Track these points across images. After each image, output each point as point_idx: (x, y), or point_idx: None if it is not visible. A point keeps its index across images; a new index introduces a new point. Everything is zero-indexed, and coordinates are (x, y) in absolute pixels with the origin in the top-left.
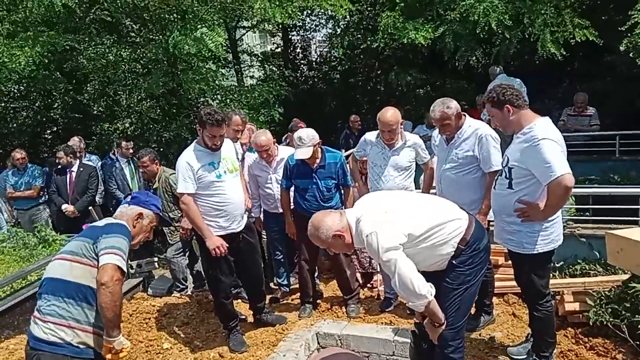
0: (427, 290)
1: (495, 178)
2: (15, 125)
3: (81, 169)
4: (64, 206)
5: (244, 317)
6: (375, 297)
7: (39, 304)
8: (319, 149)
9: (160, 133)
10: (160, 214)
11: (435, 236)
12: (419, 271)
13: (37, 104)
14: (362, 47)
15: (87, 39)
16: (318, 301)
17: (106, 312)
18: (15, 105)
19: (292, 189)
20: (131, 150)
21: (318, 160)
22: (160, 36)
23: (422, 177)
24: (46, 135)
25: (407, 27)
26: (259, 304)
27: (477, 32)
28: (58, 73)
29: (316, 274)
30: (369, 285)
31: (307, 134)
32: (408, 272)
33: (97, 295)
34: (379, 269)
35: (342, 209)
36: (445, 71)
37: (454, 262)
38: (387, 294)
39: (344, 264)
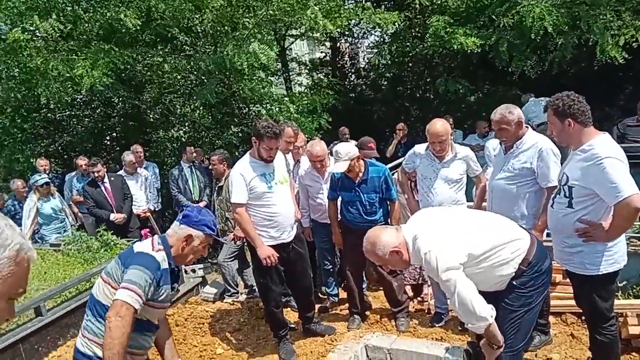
0: (488, 312)
1: (552, 196)
2: (77, 132)
3: (112, 178)
4: (112, 216)
5: (293, 325)
6: (426, 310)
7: (85, 316)
8: (362, 163)
9: (212, 141)
10: (212, 234)
11: (496, 256)
12: (478, 291)
13: (97, 111)
14: (410, 54)
15: (144, 50)
16: (367, 313)
17: (104, 351)
18: (79, 112)
19: (339, 199)
20: (195, 155)
21: (361, 175)
22: (213, 47)
23: (474, 189)
24: (106, 142)
25: (457, 33)
26: (308, 314)
27: (532, 37)
28: (118, 82)
29: (365, 285)
30: (419, 298)
31: (344, 149)
32: (468, 293)
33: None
34: (429, 282)
35: (383, 223)
36: (496, 78)
37: (514, 282)
38: (438, 309)
39: (388, 276)
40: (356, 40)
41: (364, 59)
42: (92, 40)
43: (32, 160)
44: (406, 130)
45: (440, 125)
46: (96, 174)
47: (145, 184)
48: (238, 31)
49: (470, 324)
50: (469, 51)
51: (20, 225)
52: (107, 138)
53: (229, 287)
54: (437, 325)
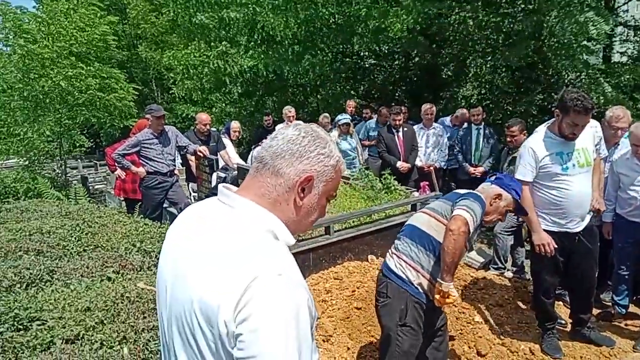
0: None
1: None
2: (377, 80)
3: (405, 129)
4: (399, 163)
5: (563, 322)
6: None
7: (397, 242)
8: None
9: (505, 106)
10: (519, 201)
11: None
12: None
13: (396, 62)
14: None
15: (453, 3)
16: None
17: (446, 255)
18: (382, 62)
19: None
20: (479, 117)
21: None
22: (532, 7)
23: None
24: (399, 93)
25: None
26: (582, 316)
27: None
28: (422, 37)
29: None
30: None
31: None
32: None
33: (443, 240)
34: None
35: None
36: None
37: None
38: None
39: None
40: None
41: None
42: None
43: (340, 101)
44: None
45: None
46: (396, 122)
47: (439, 140)
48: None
49: None
50: None
51: None
52: (399, 90)
53: (497, 260)
54: None
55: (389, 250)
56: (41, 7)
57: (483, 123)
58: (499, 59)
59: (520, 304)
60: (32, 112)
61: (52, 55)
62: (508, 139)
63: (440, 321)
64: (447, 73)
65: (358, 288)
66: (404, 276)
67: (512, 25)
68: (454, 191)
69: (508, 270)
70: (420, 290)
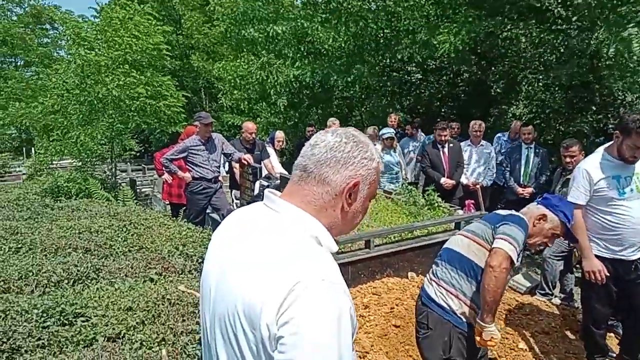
0: None
1: None
2: (423, 96)
3: (451, 145)
4: (443, 180)
5: (614, 355)
6: None
7: (435, 268)
8: None
9: (557, 125)
10: (568, 225)
11: None
12: None
13: (444, 78)
14: None
15: (505, 20)
16: None
17: (486, 294)
18: (430, 78)
19: None
20: (530, 136)
21: None
22: (587, 24)
23: None
24: (445, 110)
25: None
26: (633, 349)
27: None
28: (469, 53)
29: None
30: None
31: None
32: None
33: (482, 276)
34: None
35: None
36: None
37: None
38: None
39: None
40: None
41: None
42: (459, 7)
43: (386, 111)
44: None
45: None
46: (442, 137)
47: (487, 158)
48: (624, 5)
49: None
50: None
51: None
52: (445, 106)
53: (544, 285)
54: None
55: (427, 276)
56: (100, 15)
57: (534, 143)
58: (551, 76)
59: (568, 333)
60: (86, 116)
61: (108, 62)
62: (567, 160)
63: (482, 351)
64: (497, 90)
65: (397, 305)
66: (445, 305)
67: (565, 43)
68: (495, 212)
69: (556, 296)
70: (464, 319)
